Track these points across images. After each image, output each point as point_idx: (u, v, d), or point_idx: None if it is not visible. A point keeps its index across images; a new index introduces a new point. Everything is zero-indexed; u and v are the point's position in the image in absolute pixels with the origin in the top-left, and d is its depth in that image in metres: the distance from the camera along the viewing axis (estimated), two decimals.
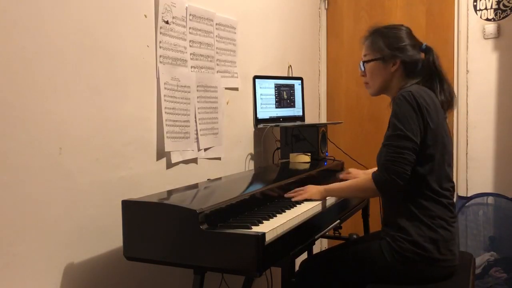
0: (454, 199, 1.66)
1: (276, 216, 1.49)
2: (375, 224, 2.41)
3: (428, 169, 1.55)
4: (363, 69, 1.76)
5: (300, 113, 2.75)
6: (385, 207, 1.67)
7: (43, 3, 1.39)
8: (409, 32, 1.72)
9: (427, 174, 1.55)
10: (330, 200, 1.76)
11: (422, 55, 1.69)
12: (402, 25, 1.74)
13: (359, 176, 2.07)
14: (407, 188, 1.53)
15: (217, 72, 2.17)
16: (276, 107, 2.58)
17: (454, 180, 1.81)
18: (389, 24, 1.75)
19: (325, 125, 2.56)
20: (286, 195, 1.76)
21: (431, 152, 1.55)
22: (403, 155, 1.50)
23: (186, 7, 1.96)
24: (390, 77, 1.70)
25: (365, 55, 1.75)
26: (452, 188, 1.63)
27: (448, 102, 1.65)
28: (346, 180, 2.06)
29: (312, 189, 1.75)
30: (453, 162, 1.70)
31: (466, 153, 2.94)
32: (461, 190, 2.93)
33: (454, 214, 1.62)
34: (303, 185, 1.86)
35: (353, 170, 2.12)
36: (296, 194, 1.74)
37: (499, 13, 2.85)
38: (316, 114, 3.39)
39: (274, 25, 2.75)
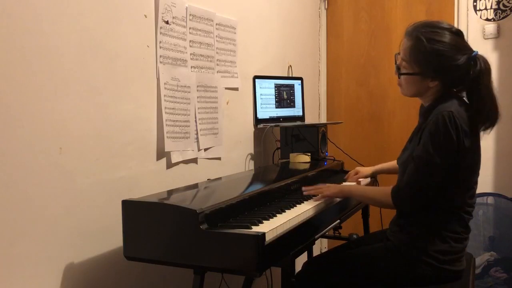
0: None
1: (276, 216, 1.49)
2: (375, 224, 2.41)
3: (459, 188, 1.51)
4: (398, 76, 1.60)
5: (300, 113, 2.75)
6: (400, 212, 1.65)
7: (43, 3, 1.39)
8: (458, 43, 1.50)
9: (456, 192, 1.51)
10: (330, 200, 1.76)
11: (470, 63, 1.50)
12: (452, 32, 1.51)
13: (367, 173, 2.09)
14: (430, 201, 1.51)
15: (217, 72, 2.17)
16: (276, 107, 2.58)
17: None
18: (437, 31, 1.50)
19: (325, 125, 2.56)
20: (305, 193, 1.75)
21: (465, 173, 1.50)
22: (429, 181, 1.46)
23: (186, 7, 1.96)
24: (426, 89, 1.56)
25: (403, 60, 1.56)
26: (474, 204, 1.59)
27: (484, 121, 1.50)
28: (355, 182, 2.07)
29: (333, 189, 1.73)
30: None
31: None
32: None
33: (470, 229, 1.59)
34: (304, 186, 1.86)
35: (360, 169, 2.12)
36: (317, 191, 1.74)
37: (499, 13, 2.85)
38: (316, 114, 3.39)
39: (274, 25, 2.75)
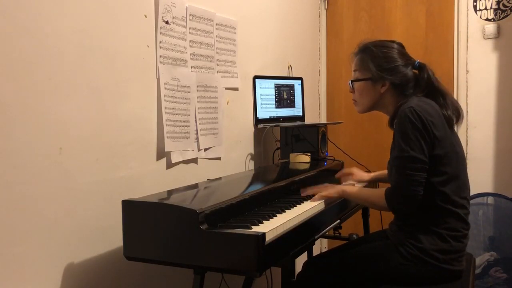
0: None
1: (276, 216, 1.49)
2: (375, 224, 2.41)
3: (444, 181, 1.53)
4: (351, 87, 1.74)
5: (300, 113, 2.75)
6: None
7: (43, 3, 1.39)
8: (401, 50, 1.69)
9: (443, 185, 1.53)
10: (330, 200, 1.76)
11: (416, 71, 1.66)
12: (393, 42, 1.70)
13: (363, 178, 2.06)
14: (423, 200, 1.52)
15: (217, 72, 2.17)
16: (276, 107, 2.58)
17: None
18: (380, 41, 1.71)
19: (325, 125, 2.56)
20: (303, 194, 1.77)
21: (444, 163, 1.52)
22: (413, 177, 1.48)
23: (186, 7, 1.96)
24: (379, 97, 1.69)
25: (354, 71, 1.73)
26: (468, 195, 1.61)
27: (455, 116, 1.61)
28: (344, 181, 2.07)
29: (330, 189, 1.76)
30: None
31: (466, 153, 2.93)
32: None
33: (469, 225, 1.59)
34: (304, 186, 1.86)
35: (356, 172, 2.09)
36: (314, 191, 1.75)
37: (499, 13, 2.85)
38: (316, 114, 3.39)
39: (274, 25, 2.75)
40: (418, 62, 1.66)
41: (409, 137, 1.49)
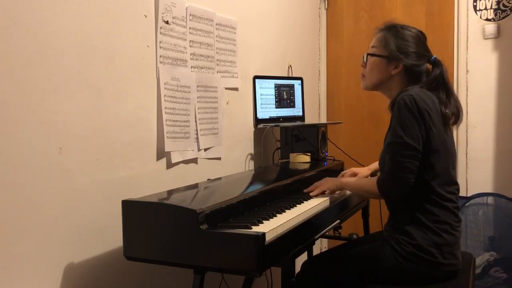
0: None
1: (276, 216, 1.49)
2: (375, 224, 2.41)
3: (432, 174, 1.54)
4: (365, 60, 1.75)
5: (300, 113, 2.75)
6: (389, 210, 1.67)
7: (43, 3, 1.39)
8: (423, 41, 1.70)
9: (431, 178, 1.54)
10: (330, 200, 1.76)
11: (430, 66, 1.67)
12: (417, 30, 1.70)
13: (366, 174, 2.08)
14: (411, 193, 1.53)
15: (217, 72, 2.17)
16: (276, 107, 2.58)
17: None
18: (407, 25, 1.71)
19: (325, 125, 2.56)
20: (306, 190, 1.81)
21: (434, 156, 1.54)
22: (405, 163, 1.50)
23: (186, 7, 1.96)
24: (388, 78, 1.69)
25: (372, 47, 1.73)
26: (457, 191, 1.63)
27: (454, 116, 1.62)
28: None
29: (329, 182, 1.81)
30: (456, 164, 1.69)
31: (466, 153, 2.94)
32: (461, 190, 2.89)
33: (459, 218, 1.61)
34: (304, 185, 1.87)
35: (358, 170, 2.10)
36: (314, 187, 1.81)
37: (499, 13, 2.85)
38: (316, 114, 3.39)
39: (274, 25, 2.75)
40: (435, 58, 1.67)
41: (405, 124, 1.51)
